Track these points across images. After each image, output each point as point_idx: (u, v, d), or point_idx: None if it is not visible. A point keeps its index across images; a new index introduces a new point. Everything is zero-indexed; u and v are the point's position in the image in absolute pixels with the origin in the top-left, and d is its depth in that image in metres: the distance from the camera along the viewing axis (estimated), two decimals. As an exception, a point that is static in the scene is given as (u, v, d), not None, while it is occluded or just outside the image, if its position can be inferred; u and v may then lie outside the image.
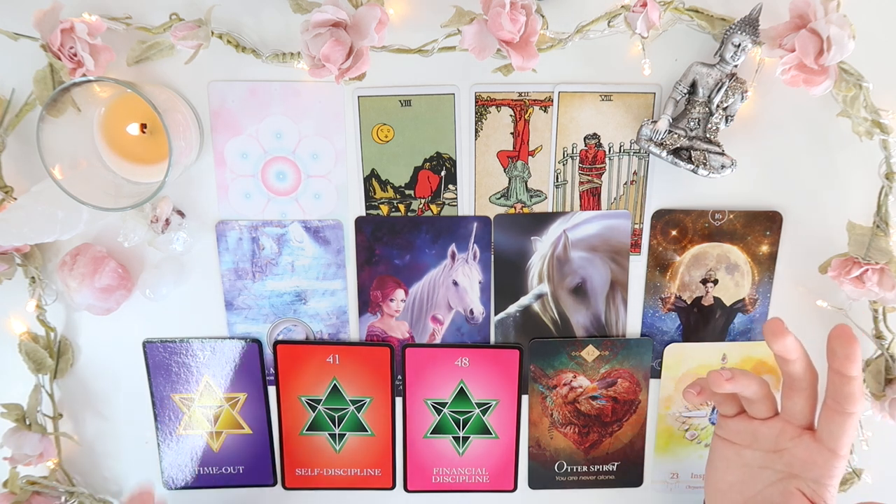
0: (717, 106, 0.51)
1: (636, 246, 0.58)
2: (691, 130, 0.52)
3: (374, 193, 0.56)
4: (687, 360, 0.61)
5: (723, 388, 0.45)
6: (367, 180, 0.56)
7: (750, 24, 0.48)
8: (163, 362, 0.60)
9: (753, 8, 0.49)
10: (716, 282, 0.59)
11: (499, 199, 0.57)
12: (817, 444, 0.44)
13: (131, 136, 0.52)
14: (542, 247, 0.58)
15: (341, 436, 0.62)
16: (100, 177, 0.52)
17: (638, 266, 0.59)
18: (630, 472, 0.64)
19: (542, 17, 0.47)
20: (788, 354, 0.43)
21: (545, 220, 0.57)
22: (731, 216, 0.57)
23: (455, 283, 0.59)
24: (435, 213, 0.57)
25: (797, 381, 0.44)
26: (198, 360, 0.60)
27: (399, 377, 0.61)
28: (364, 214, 0.57)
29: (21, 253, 0.55)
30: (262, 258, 0.58)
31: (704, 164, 0.52)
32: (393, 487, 0.64)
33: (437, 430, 0.62)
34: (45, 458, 0.58)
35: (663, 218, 0.57)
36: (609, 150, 0.56)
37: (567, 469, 0.64)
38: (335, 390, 0.61)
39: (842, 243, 0.55)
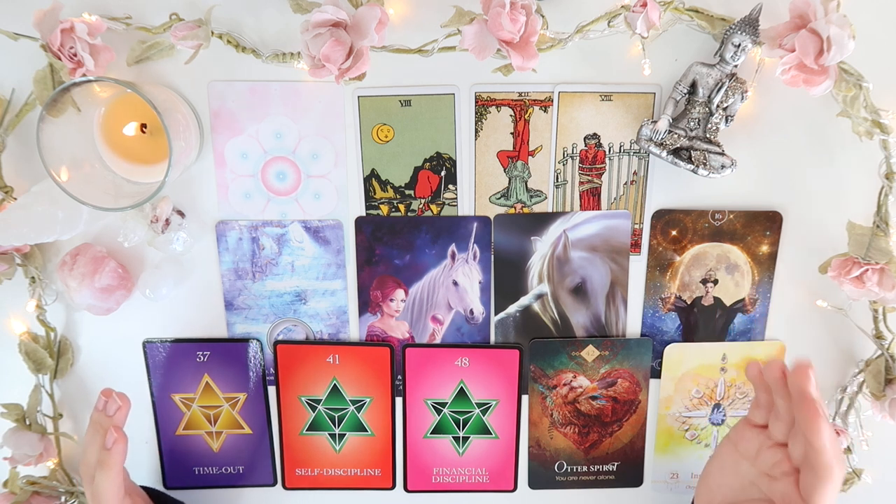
0: (717, 106, 0.51)
1: (636, 246, 0.58)
2: (691, 130, 0.52)
3: (374, 193, 0.56)
4: (687, 360, 0.61)
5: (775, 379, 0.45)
6: (367, 180, 0.56)
7: (750, 24, 0.48)
8: (163, 362, 0.60)
9: (753, 8, 0.49)
10: (716, 282, 0.59)
11: (499, 199, 0.57)
12: (796, 490, 0.43)
13: (131, 135, 0.52)
14: (542, 247, 0.58)
15: (341, 436, 0.62)
16: (100, 177, 0.52)
17: (638, 266, 0.58)
18: (630, 472, 0.64)
19: (542, 17, 0.47)
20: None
21: (545, 220, 0.57)
22: (731, 216, 0.57)
23: (455, 283, 0.59)
24: (435, 213, 0.57)
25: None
26: (198, 360, 0.60)
27: (399, 377, 0.61)
28: (364, 214, 0.57)
29: (21, 253, 0.55)
30: (262, 258, 0.58)
31: (704, 164, 0.52)
32: (393, 487, 0.64)
33: (437, 430, 0.62)
34: (45, 458, 0.58)
35: (663, 218, 0.57)
36: (609, 150, 0.56)
37: (567, 469, 0.64)
38: (335, 390, 0.61)
39: (842, 243, 0.55)
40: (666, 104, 0.52)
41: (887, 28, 0.52)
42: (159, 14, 0.51)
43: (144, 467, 0.63)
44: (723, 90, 0.51)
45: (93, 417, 0.51)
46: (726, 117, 0.52)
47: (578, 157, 0.56)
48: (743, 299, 0.59)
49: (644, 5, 0.46)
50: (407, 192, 0.56)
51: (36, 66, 0.51)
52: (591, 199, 0.57)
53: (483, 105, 0.54)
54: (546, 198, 0.57)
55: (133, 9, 0.51)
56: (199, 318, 0.59)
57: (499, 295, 0.59)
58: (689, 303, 0.59)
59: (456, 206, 0.57)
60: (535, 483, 0.64)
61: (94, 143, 0.52)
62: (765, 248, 0.58)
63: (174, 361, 0.60)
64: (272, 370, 0.61)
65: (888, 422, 0.56)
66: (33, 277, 0.56)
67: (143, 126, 0.52)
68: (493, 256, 0.58)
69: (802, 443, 0.43)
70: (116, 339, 0.59)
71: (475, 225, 0.57)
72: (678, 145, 0.52)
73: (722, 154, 0.52)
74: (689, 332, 0.60)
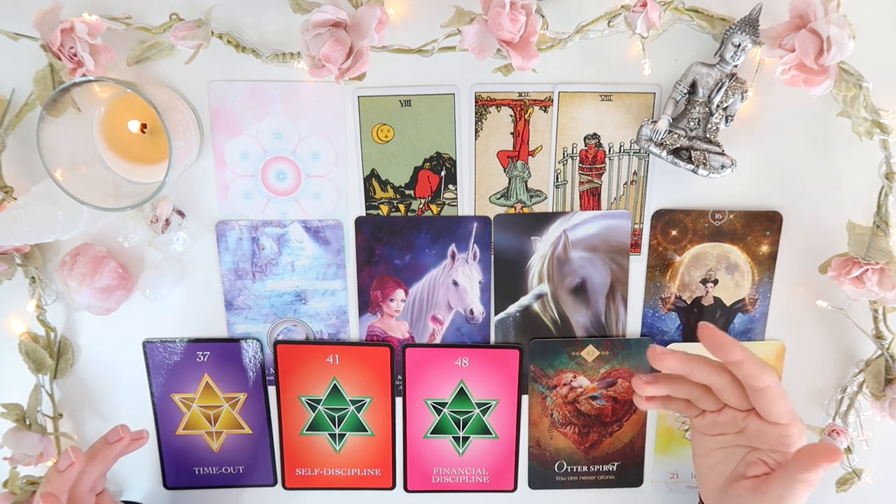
0: (717, 106, 0.51)
1: (636, 246, 0.58)
2: (691, 130, 0.52)
3: (374, 193, 0.56)
4: (687, 360, 0.61)
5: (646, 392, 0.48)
6: (367, 180, 0.56)
7: (750, 24, 0.48)
8: (163, 362, 0.60)
9: (753, 8, 0.49)
10: (716, 282, 0.59)
11: (499, 199, 0.57)
12: (761, 420, 0.45)
13: (131, 136, 0.52)
14: (542, 247, 0.58)
15: (341, 436, 0.62)
16: (100, 177, 0.52)
17: (638, 266, 0.58)
18: (630, 472, 0.64)
19: (542, 17, 0.47)
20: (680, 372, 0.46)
21: (545, 220, 0.57)
22: (731, 216, 0.57)
23: (455, 283, 0.59)
24: (435, 213, 0.57)
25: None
26: (198, 360, 0.60)
27: (399, 377, 0.61)
28: (364, 214, 0.57)
29: (21, 253, 0.55)
30: (262, 258, 0.58)
31: (704, 164, 0.52)
32: (393, 487, 0.64)
33: (437, 430, 0.62)
34: (45, 458, 0.58)
35: (663, 218, 0.57)
36: (609, 150, 0.56)
37: (567, 469, 0.64)
38: (335, 390, 0.61)
39: (842, 243, 0.55)
40: (666, 104, 0.52)
41: (887, 28, 0.52)
42: (159, 14, 0.51)
43: (144, 467, 0.63)
44: (723, 90, 0.51)
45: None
46: (726, 117, 0.52)
47: (578, 157, 0.56)
48: (743, 299, 0.59)
49: (644, 5, 0.46)
50: (407, 192, 0.56)
51: (36, 66, 0.51)
52: (591, 199, 0.57)
53: (483, 105, 0.54)
54: (546, 198, 0.57)
55: (133, 9, 0.51)
56: (199, 318, 0.59)
57: (499, 295, 0.59)
58: (689, 303, 0.59)
59: (456, 206, 0.57)
60: (535, 483, 0.64)
61: (94, 143, 0.52)
62: (765, 248, 0.58)
63: (174, 361, 0.60)
64: (272, 370, 0.61)
65: (888, 422, 0.56)
66: (33, 277, 0.56)
67: (144, 126, 0.52)
68: (493, 256, 0.58)
69: (729, 382, 0.45)
70: (116, 339, 0.59)
71: (475, 225, 0.57)
72: (678, 145, 0.52)
73: (722, 154, 0.52)
74: (690, 332, 0.60)
